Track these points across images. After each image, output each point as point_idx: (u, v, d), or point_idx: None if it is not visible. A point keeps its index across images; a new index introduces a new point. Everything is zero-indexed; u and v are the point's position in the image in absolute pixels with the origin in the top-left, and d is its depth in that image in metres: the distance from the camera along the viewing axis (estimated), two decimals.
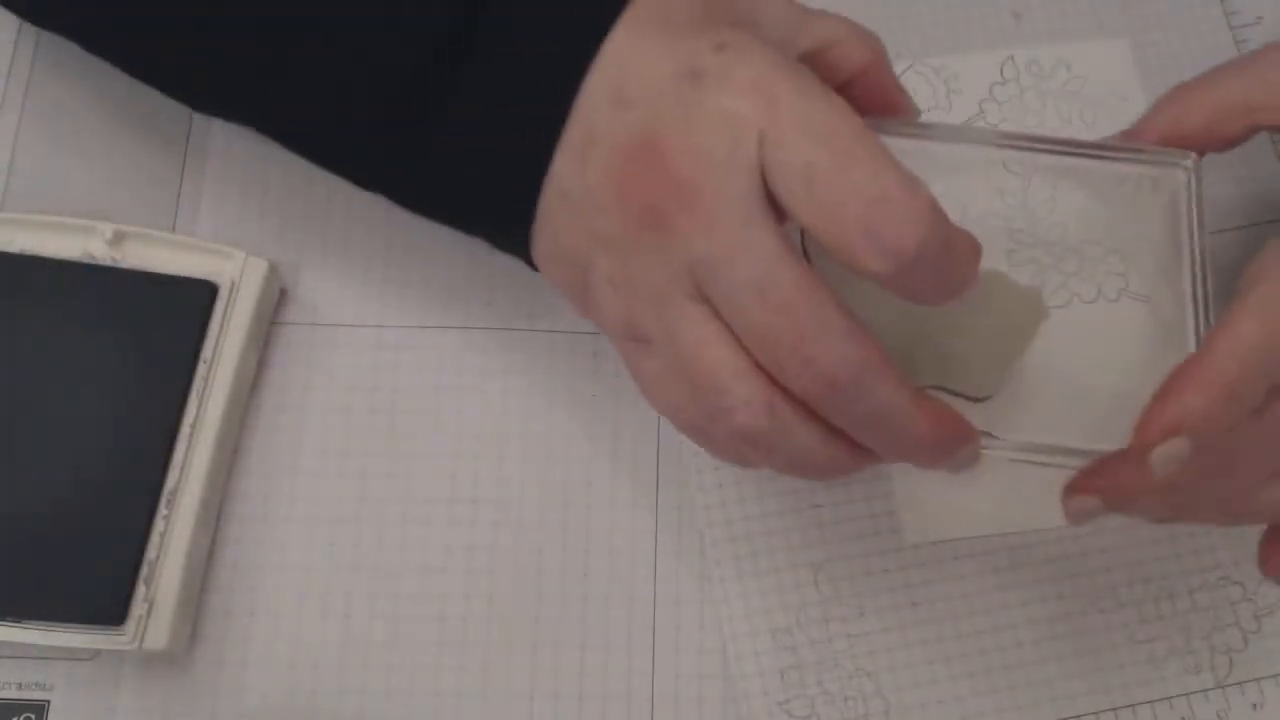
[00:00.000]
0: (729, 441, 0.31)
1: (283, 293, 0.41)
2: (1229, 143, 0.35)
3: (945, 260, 0.28)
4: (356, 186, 0.37)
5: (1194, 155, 0.35)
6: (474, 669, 0.37)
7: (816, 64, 0.32)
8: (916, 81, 0.44)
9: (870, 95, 0.33)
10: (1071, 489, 0.32)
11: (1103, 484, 0.31)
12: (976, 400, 0.34)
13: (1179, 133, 0.35)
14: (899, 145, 0.32)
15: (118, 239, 0.39)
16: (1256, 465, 0.31)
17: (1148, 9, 0.45)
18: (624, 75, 0.30)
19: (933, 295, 0.29)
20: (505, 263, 0.40)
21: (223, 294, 0.39)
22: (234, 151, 0.43)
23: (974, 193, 0.35)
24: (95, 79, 0.43)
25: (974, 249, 0.29)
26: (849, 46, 0.32)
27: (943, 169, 0.35)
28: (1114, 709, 0.37)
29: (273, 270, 0.40)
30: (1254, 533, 0.37)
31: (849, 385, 0.28)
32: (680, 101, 0.29)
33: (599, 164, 0.30)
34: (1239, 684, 0.37)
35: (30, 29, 0.44)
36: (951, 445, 0.30)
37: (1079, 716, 0.37)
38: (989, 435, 0.32)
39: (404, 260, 0.42)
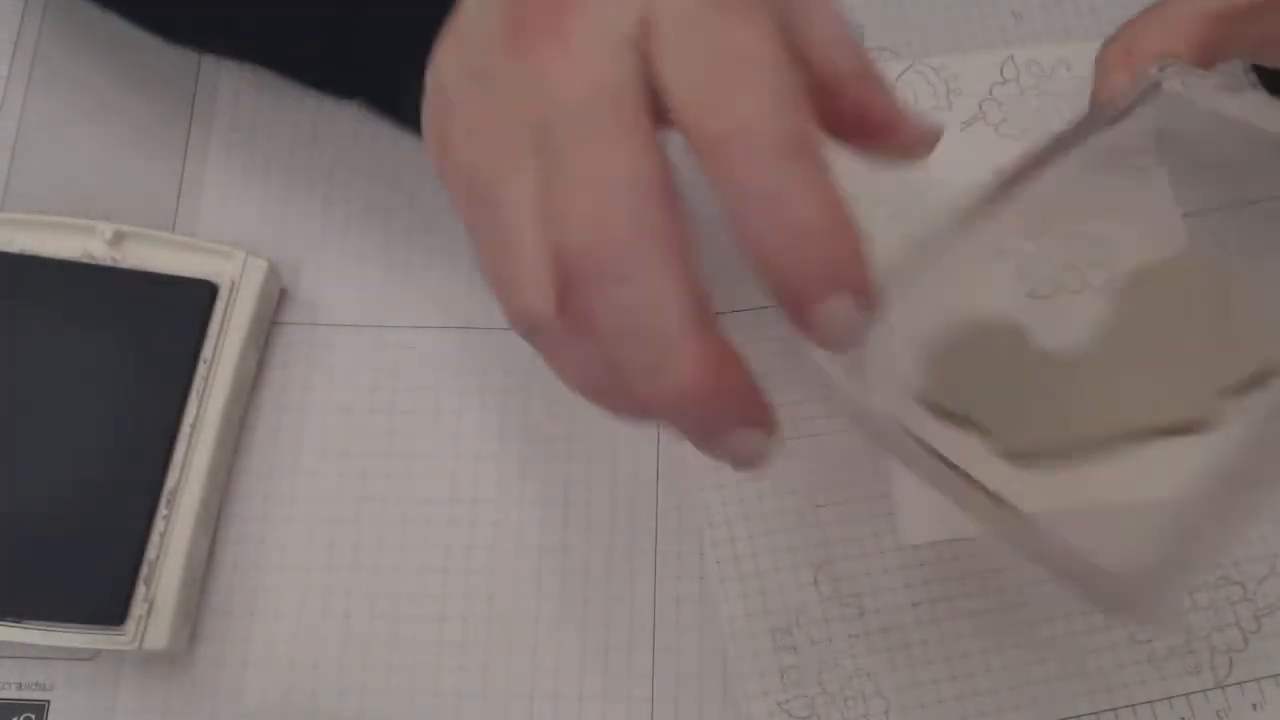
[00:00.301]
0: (575, 263, 0.25)
1: (283, 293, 0.41)
2: (1202, 52, 0.31)
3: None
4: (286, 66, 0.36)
5: (1166, 64, 0.31)
6: (474, 669, 0.37)
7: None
8: (916, 81, 0.44)
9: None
10: None
11: None
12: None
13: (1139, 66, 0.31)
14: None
15: (118, 239, 0.39)
16: None
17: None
18: None
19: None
20: None
21: (223, 294, 0.39)
22: (234, 152, 0.43)
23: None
24: (95, 79, 0.43)
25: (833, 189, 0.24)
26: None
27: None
28: (1114, 709, 0.37)
29: (273, 270, 0.40)
30: (1252, 532, 0.37)
31: (618, 242, 0.23)
32: None
33: None
34: (1239, 684, 0.37)
35: (31, 29, 0.44)
36: (728, 405, 0.24)
37: (1079, 716, 0.37)
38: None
39: (404, 260, 0.42)
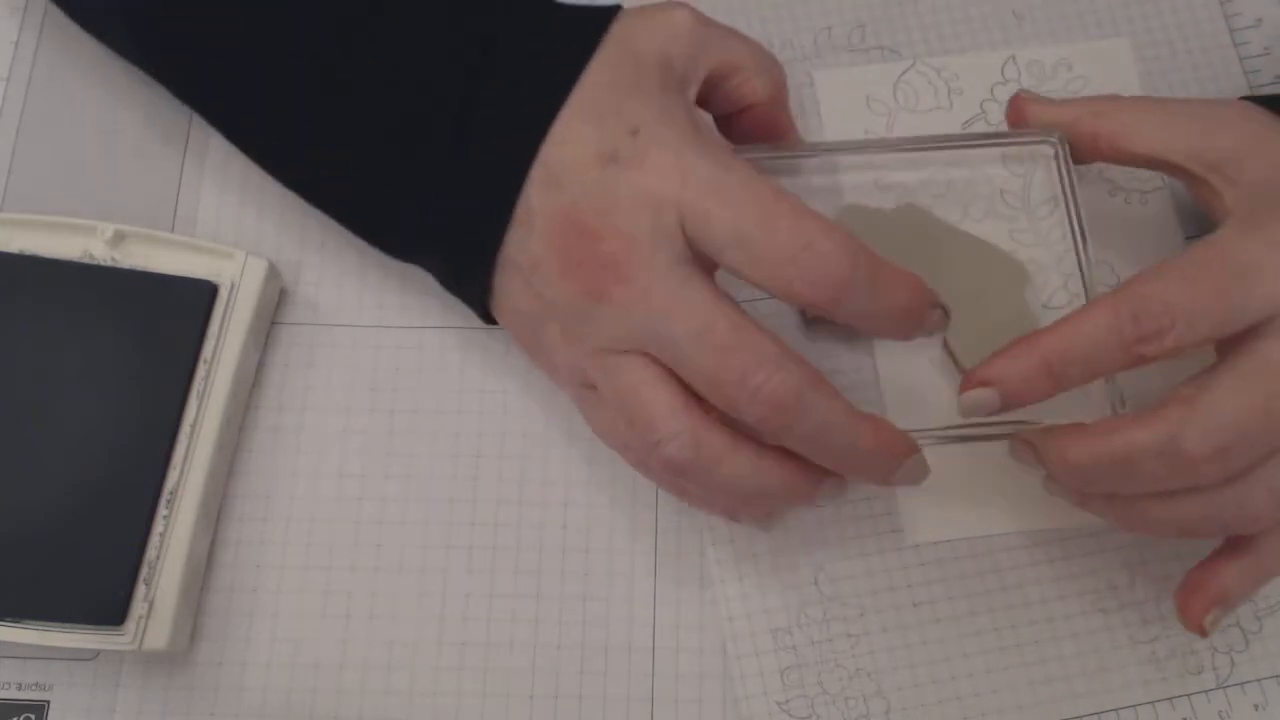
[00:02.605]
0: (663, 474, 0.34)
1: (283, 293, 0.41)
2: (1128, 163, 0.37)
3: (877, 284, 0.32)
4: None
5: (1060, 134, 0.38)
6: (474, 669, 0.37)
7: (717, 92, 0.36)
8: (918, 81, 0.44)
9: (764, 124, 0.37)
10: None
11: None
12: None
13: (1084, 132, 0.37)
14: (806, 165, 0.39)
15: (118, 239, 0.39)
16: (1147, 481, 0.32)
17: (1148, 9, 0.45)
18: (553, 159, 0.33)
19: (886, 321, 0.33)
20: None
21: (223, 294, 0.39)
22: (234, 152, 0.42)
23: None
24: (95, 80, 0.43)
25: (908, 278, 0.33)
26: (752, 80, 0.36)
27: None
28: (1115, 709, 0.37)
29: (273, 270, 0.40)
30: None
31: (793, 405, 0.31)
32: (603, 184, 0.32)
33: (539, 239, 0.33)
34: (1240, 684, 0.37)
35: (31, 30, 0.44)
36: (896, 455, 0.33)
37: (1080, 717, 0.37)
38: (923, 431, 0.35)
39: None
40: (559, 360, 0.35)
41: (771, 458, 0.33)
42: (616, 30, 0.34)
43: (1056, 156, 0.38)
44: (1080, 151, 0.38)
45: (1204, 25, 0.45)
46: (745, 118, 0.37)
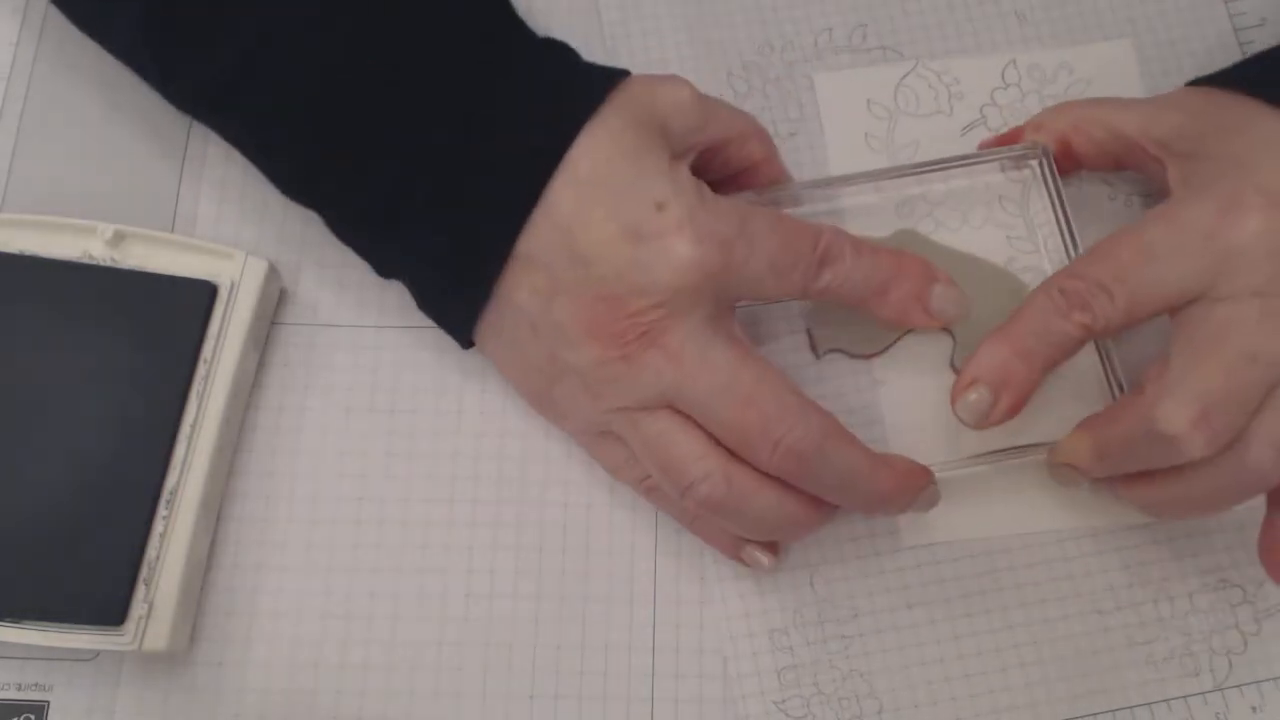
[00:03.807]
0: (697, 512, 0.36)
1: (283, 293, 0.41)
2: (1096, 161, 0.40)
3: (860, 256, 0.36)
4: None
5: (1043, 145, 0.40)
6: (474, 669, 0.37)
7: (714, 162, 0.38)
8: (918, 85, 0.44)
9: (763, 178, 0.40)
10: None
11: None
12: None
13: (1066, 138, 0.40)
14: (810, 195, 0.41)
15: (118, 239, 0.39)
16: (1153, 460, 0.34)
17: (1151, 11, 0.45)
18: (575, 235, 0.34)
19: (886, 292, 0.36)
20: None
21: (223, 294, 0.39)
22: (234, 153, 0.42)
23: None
24: (95, 80, 0.43)
25: (889, 249, 0.36)
26: (748, 146, 0.38)
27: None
28: (1112, 710, 0.37)
29: (273, 270, 0.40)
30: (1253, 534, 0.37)
31: (813, 456, 0.33)
32: (637, 261, 0.33)
33: (568, 310, 0.34)
34: (1238, 686, 0.37)
35: (31, 30, 0.44)
36: (912, 492, 0.35)
37: (1078, 719, 0.37)
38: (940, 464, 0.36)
39: None
40: (575, 412, 0.37)
41: (795, 493, 0.34)
42: (620, 97, 0.35)
43: (1041, 167, 0.40)
44: (1061, 160, 0.40)
45: (1207, 26, 0.45)
46: (739, 180, 0.39)
